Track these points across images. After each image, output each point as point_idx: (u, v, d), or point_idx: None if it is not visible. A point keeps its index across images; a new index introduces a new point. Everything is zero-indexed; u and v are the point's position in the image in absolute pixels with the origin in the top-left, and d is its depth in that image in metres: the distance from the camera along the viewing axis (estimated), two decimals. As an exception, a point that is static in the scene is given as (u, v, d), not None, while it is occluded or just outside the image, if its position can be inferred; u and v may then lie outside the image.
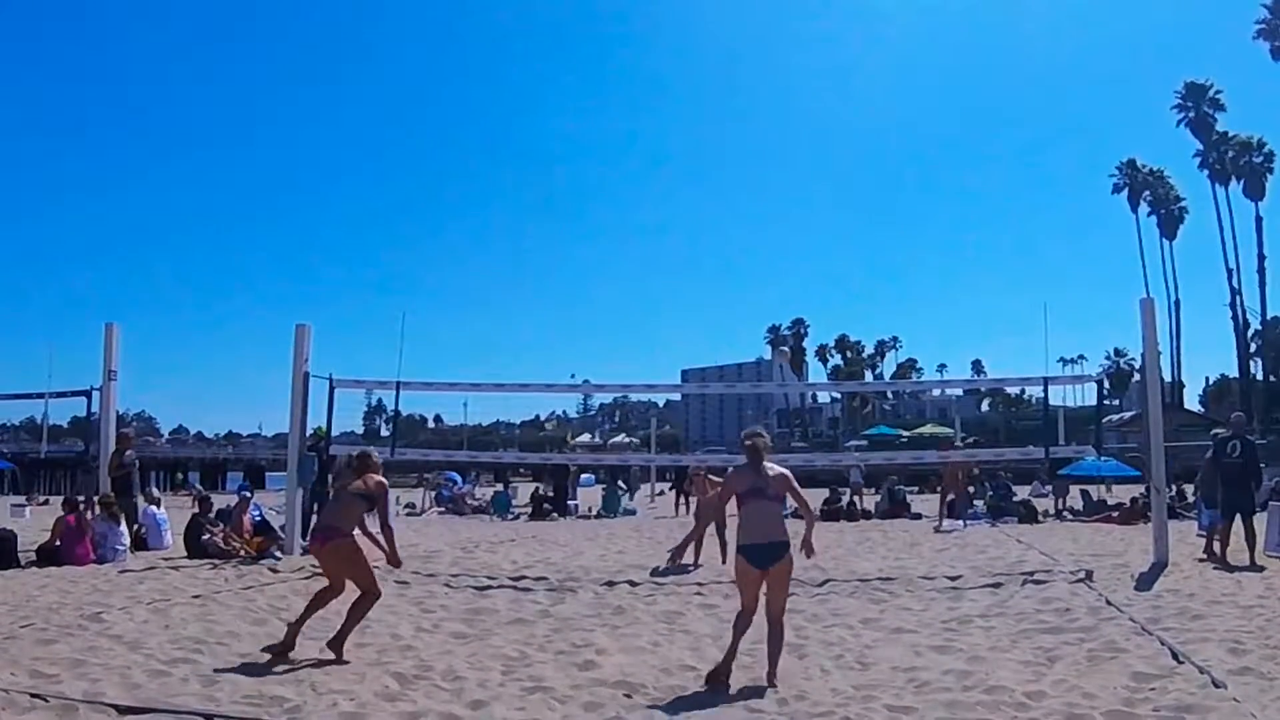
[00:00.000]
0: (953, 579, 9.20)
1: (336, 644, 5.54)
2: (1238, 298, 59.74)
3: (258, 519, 11.97)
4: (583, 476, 30.31)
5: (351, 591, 5.84)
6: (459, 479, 29.77)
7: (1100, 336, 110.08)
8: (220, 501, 13.85)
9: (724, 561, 10.20)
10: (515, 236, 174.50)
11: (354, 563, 5.76)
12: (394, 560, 6.03)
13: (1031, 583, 8.82)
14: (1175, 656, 5.39)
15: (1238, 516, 10.24)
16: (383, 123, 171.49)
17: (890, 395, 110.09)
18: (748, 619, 5.17)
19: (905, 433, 51.58)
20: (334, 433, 12.83)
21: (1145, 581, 8.70)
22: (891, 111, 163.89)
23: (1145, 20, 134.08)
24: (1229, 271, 59.43)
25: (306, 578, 9.30)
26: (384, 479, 6.04)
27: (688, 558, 10.87)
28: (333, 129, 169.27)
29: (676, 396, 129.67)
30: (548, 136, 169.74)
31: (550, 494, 23.32)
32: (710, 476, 11.37)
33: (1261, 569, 9.35)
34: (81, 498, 11.49)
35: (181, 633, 6.32)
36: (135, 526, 11.83)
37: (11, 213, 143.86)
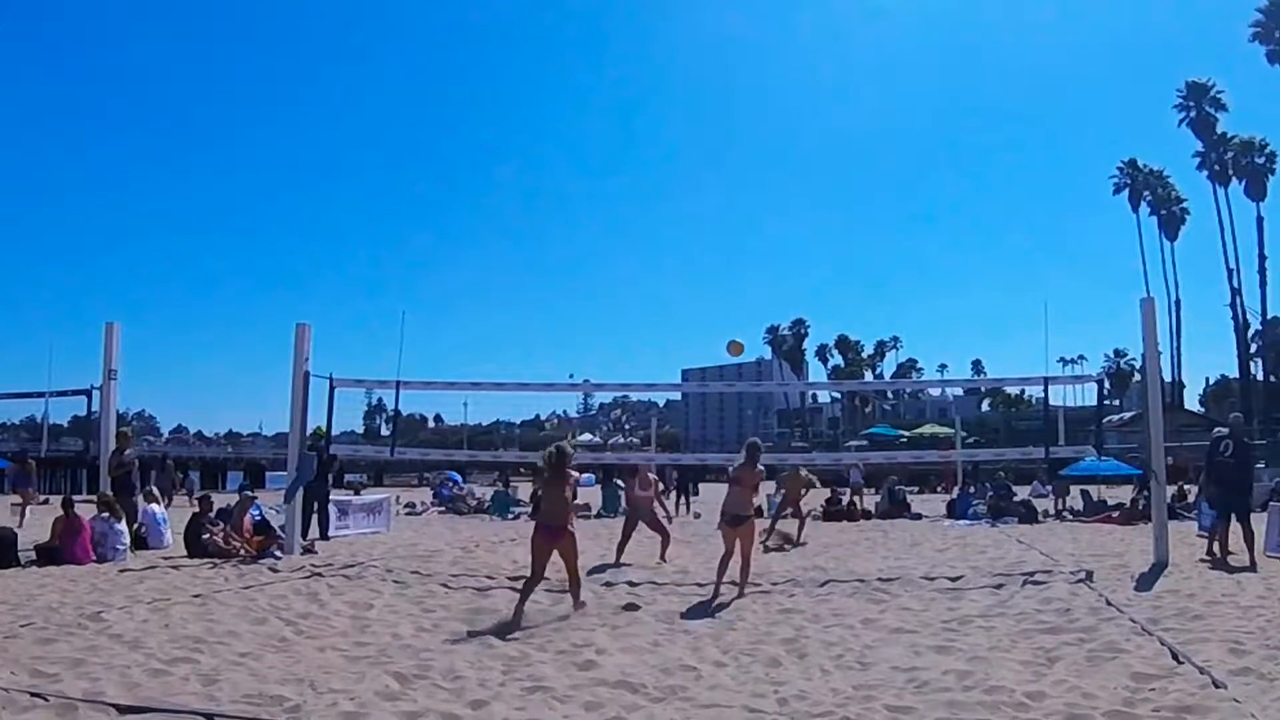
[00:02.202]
0: (953, 579, 9.20)
1: (576, 597, 7.45)
2: (1238, 298, 59.83)
3: (258, 518, 11.98)
4: (582, 476, 30.27)
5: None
6: (460, 478, 29.74)
7: (1100, 336, 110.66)
8: (220, 501, 13.86)
9: (663, 559, 10.95)
10: (515, 236, 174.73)
11: (575, 548, 7.37)
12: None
13: (1032, 583, 8.81)
14: (1175, 657, 5.38)
15: (1234, 517, 10.24)
16: (383, 123, 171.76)
17: (890, 395, 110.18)
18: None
19: (905, 433, 51.57)
20: (334, 432, 12.83)
21: (1145, 582, 8.70)
22: (891, 111, 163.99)
23: (1145, 20, 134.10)
24: (1229, 271, 59.54)
25: (306, 577, 9.31)
26: (575, 472, 7.49)
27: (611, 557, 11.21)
28: (333, 129, 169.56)
29: (677, 396, 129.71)
30: (548, 136, 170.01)
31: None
32: (648, 474, 12.22)
33: (1252, 569, 9.35)
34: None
35: (181, 632, 6.31)
36: (135, 525, 11.84)
37: (11, 212, 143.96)
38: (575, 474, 7.48)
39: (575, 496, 7.59)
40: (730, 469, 8.65)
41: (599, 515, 21.81)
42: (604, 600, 8.12)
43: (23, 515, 16.28)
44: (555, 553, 7.25)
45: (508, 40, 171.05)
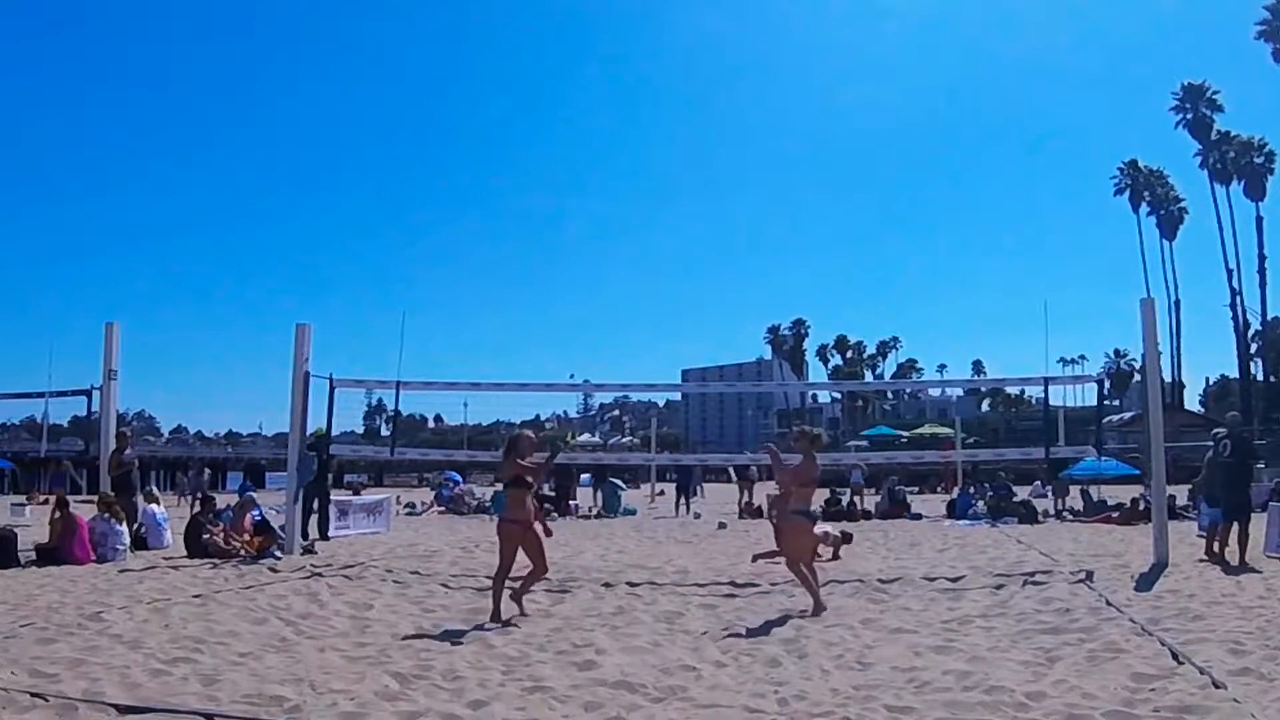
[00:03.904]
0: (953, 579, 9.20)
1: (518, 599, 7.11)
2: (1238, 298, 59.96)
3: (258, 518, 11.99)
4: (582, 476, 30.33)
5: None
6: (460, 479, 29.73)
7: (1100, 336, 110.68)
8: (220, 502, 13.86)
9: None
10: (516, 236, 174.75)
11: (527, 542, 7.09)
12: (545, 530, 7.44)
13: (1032, 583, 8.81)
14: (1175, 657, 5.38)
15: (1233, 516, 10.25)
16: (383, 123, 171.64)
17: (890, 395, 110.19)
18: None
19: (905, 433, 51.55)
20: (334, 433, 12.86)
21: (1145, 582, 8.70)
22: (892, 111, 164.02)
23: (1145, 20, 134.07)
24: (1229, 272, 59.68)
25: (306, 577, 9.31)
26: (528, 463, 7.07)
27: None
28: (333, 129, 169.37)
29: (677, 396, 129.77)
30: (548, 135, 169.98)
31: (552, 493, 23.35)
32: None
33: (1251, 569, 9.36)
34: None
35: (181, 632, 6.31)
36: (135, 525, 11.85)
37: (11, 212, 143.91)
38: (525, 462, 7.00)
39: (528, 486, 7.04)
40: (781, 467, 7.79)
41: (599, 515, 21.82)
42: (603, 600, 8.12)
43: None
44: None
45: (508, 40, 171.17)
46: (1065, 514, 20.33)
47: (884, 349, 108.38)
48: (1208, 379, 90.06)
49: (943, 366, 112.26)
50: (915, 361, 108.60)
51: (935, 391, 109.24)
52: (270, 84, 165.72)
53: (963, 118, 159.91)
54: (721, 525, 17.73)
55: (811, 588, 7.33)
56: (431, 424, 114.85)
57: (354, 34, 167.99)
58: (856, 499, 22.31)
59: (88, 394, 13.06)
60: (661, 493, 31.88)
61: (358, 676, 5.06)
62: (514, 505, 7.11)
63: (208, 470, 31.57)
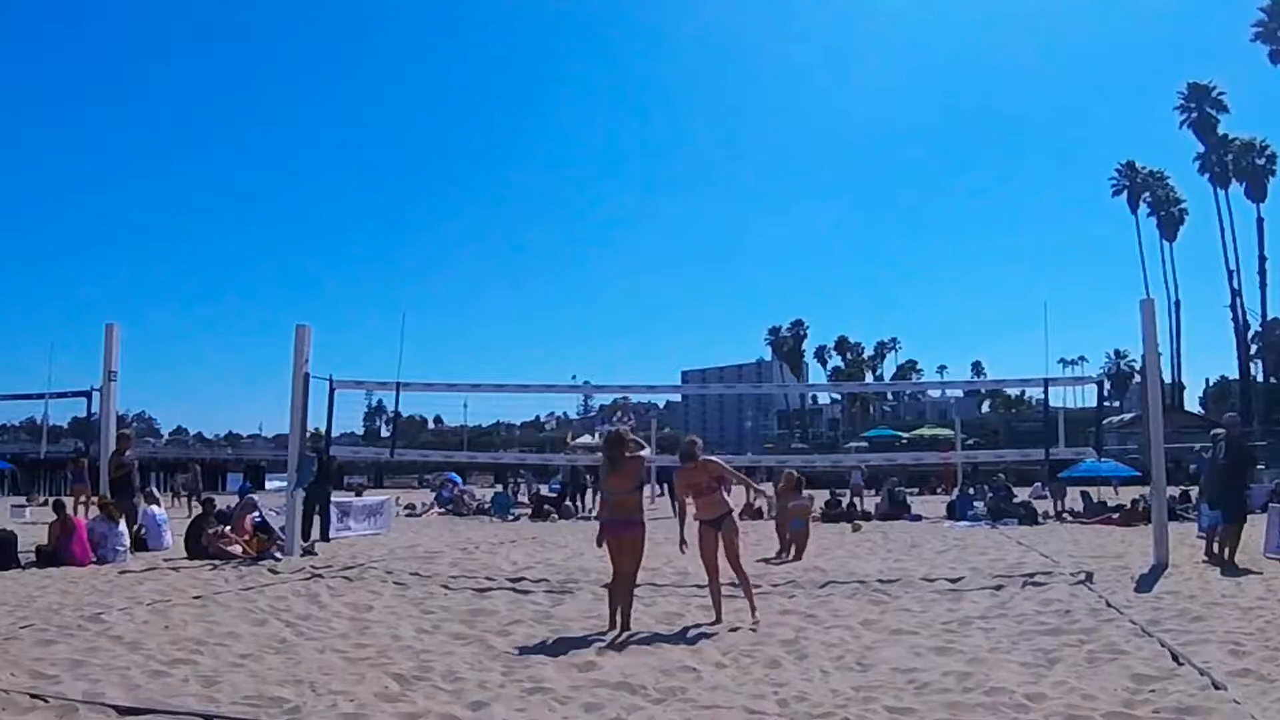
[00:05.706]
0: (953, 581, 9.20)
1: (626, 615, 6.51)
2: (1238, 299, 59.90)
3: (258, 519, 12.00)
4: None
5: None
6: (459, 480, 29.76)
7: (1100, 337, 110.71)
8: (220, 503, 13.87)
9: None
10: (516, 237, 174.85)
11: (640, 550, 6.58)
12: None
13: (1032, 584, 8.82)
14: (1175, 658, 5.39)
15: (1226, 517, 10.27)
16: (383, 123, 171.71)
17: (890, 397, 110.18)
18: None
19: (905, 434, 51.54)
20: (334, 434, 12.86)
21: (1145, 583, 8.71)
22: (892, 111, 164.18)
23: (1145, 21, 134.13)
24: (1229, 273, 59.63)
25: (306, 578, 9.32)
26: (638, 454, 6.58)
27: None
28: (333, 129, 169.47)
29: (677, 397, 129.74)
30: (548, 136, 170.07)
31: (554, 494, 23.44)
32: None
33: (1248, 569, 9.36)
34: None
35: (181, 633, 6.32)
36: (135, 527, 11.85)
37: (12, 213, 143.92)
38: (645, 453, 6.64)
39: (641, 486, 6.76)
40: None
41: (599, 517, 21.82)
42: (603, 601, 8.09)
43: (86, 509, 16.39)
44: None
45: (509, 39, 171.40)
46: (1065, 515, 20.32)
47: (883, 350, 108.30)
48: (1208, 380, 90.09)
49: (942, 368, 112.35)
50: (915, 363, 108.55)
51: (935, 393, 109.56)
52: (270, 84, 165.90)
53: (962, 118, 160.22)
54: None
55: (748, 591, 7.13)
56: (431, 425, 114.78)
57: (353, 35, 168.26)
58: (856, 500, 22.31)
59: (88, 395, 13.06)
60: (661, 493, 31.85)
61: (357, 678, 5.07)
62: (638, 508, 6.70)
63: (198, 467, 31.74)
